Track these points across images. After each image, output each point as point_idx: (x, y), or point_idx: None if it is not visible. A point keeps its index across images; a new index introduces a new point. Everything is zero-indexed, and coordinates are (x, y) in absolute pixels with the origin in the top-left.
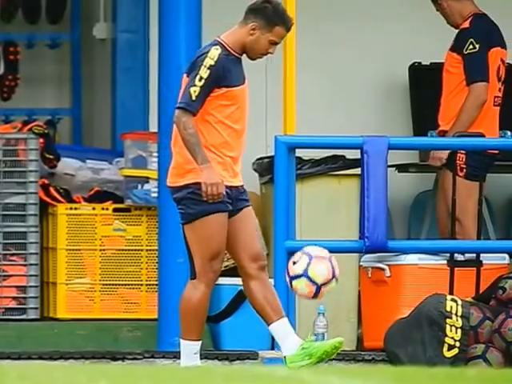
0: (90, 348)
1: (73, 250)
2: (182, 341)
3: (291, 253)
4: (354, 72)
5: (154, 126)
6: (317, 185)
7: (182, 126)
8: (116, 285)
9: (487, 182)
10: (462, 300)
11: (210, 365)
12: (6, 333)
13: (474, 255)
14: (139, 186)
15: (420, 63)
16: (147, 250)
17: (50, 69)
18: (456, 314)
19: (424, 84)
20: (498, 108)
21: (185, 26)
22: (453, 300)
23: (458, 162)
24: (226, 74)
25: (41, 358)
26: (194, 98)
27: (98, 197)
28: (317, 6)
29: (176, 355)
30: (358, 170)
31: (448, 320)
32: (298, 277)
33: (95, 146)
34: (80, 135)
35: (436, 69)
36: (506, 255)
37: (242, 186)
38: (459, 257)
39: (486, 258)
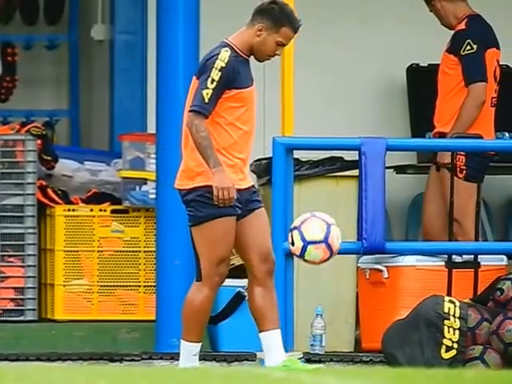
0: (88, 349)
1: (71, 251)
2: (182, 341)
3: (289, 254)
4: (352, 73)
5: (151, 128)
6: (315, 186)
7: (195, 129)
8: (114, 286)
9: (485, 183)
10: (459, 301)
11: (208, 366)
12: (3, 334)
13: (472, 256)
14: (137, 188)
15: (418, 64)
16: (145, 252)
17: (48, 70)
18: (454, 316)
19: (422, 85)
20: (494, 109)
21: (183, 27)
22: (451, 301)
23: (457, 163)
24: (236, 76)
25: (39, 359)
26: (206, 100)
27: (96, 198)
28: (315, 6)
29: (174, 356)
30: (355, 172)
31: (446, 321)
32: (316, 242)
33: (93, 147)
34: (78, 136)
35: (434, 70)
36: (504, 256)
37: (252, 186)
38: (457, 258)
39: (483, 260)
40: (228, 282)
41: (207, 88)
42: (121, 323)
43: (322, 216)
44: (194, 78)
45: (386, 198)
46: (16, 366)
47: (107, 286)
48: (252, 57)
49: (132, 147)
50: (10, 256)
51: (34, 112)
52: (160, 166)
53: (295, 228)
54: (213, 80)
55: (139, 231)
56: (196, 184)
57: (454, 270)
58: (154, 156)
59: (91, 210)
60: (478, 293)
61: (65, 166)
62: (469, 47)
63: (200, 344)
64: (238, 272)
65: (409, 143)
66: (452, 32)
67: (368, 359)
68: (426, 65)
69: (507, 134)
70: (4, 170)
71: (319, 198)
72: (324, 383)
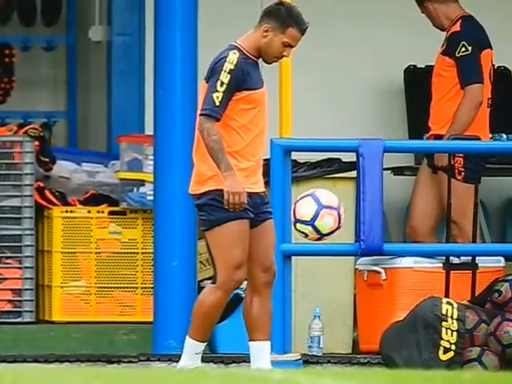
0: (86, 351)
1: (68, 252)
2: (187, 338)
3: (287, 256)
4: (350, 75)
5: (149, 129)
6: (313, 188)
7: (206, 133)
8: (111, 288)
9: (482, 184)
10: (457, 303)
11: (206, 368)
12: (1, 336)
13: (470, 258)
14: (135, 189)
15: (415, 66)
16: (143, 253)
17: (46, 71)
18: (452, 317)
19: (419, 87)
20: (489, 109)
21: (180, 29)
22: (448, 303)
23: (456, 165)
24: (245, 77)
25: (36, 361)
26: (217, 103)
27: (94, 200)
28: (312, 7)
29: (171, 358)
30: (353, 173)
31: (444, 323)
32: (303, 222)
33: (91, 148)
34: (75, 138)
35: (432, 72)
36: (502, 258)
37: (263, 192)
38: (455, 260)
39: (481, 261)
40: None
41: (217, 91)
42: (118, 325)
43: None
44: (204, 81)
45: (384, 199)
46: (13, 368)
47: (105, 287)
48: (261, 60)
49: (129, 149)
50: (8, 257)
51: (31, 113)
52: (157, 167)
53: (308, 195)
54: (222, 83)
55: (137, 233)
56: (207, 188)
57: (451, 272)
58: (151, 157)
59: (89, 212)
60: (476, 294)
61: (62, 167)
62: (464, 49)
63: (204, 344)
64: None
65: (406, 145)
66: (445, 34)
67: (366, 361)
68: (423, 66)
69: (505, 136)
70: (1, 172)
71: None
72: None
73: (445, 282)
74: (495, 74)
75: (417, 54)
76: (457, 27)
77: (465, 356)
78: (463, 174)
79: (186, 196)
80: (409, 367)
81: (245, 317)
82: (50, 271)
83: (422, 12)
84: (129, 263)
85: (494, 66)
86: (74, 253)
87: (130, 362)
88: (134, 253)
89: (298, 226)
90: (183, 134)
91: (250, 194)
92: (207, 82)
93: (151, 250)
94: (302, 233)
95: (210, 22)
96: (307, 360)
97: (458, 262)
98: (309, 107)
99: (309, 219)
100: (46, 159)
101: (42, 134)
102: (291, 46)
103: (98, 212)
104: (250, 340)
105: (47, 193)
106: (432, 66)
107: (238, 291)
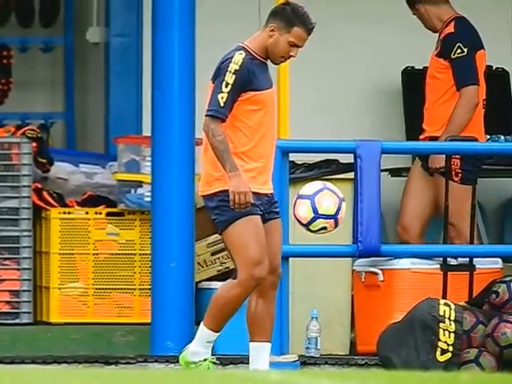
0: (83, 352)
1: (66, 254)
2: (201, 325)
3: (285, 257)
4: (347, 76)
5: (147, 130)
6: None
7: (211, 134)
8: (109, 289)
9: (480, 186)
10: (455, 304)
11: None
12: None
13: (467, 259)
14: (132, 191)
15: (413, 67)
16: (140, 255)
17: (44, 73)
18: (449, 319)
19: (417, 88)
20: (484, 110)
21: (178, 30)
22: (446, 304)
23: (452, 166)
24: (251, 78)
25: (34, 362)
26: (222, 104)
27: (91, 201)
28: (311, 8)
29: (169, 359)
30: (351, 175)
31: (441, 324)
32: (327, 217)
33: (88, 150)
34: (73, 139)
35: None
36: (499, 259)
37: (271, 193)
38: (452, 261)
39: (479, 263)
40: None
41: (222, 92)
42: (116, 326)
43: (334, 189)
44: (210, 82)
45: (381, 200)
46: (11, 369)
47: (102, 288)
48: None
49: (127, 150)
50: (6, 259)
51: (29, 115)
52: (155, 168)
53: (308, 197)
54: (227, 83)
55: (134, 234)
56: (214, 190)
57: (449, 273)
58: (149, 159)
59: (86, 213)
60: (474, 296)
61: (60, 168)
62: (459, 50)
63: (217, 334)
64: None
65: (404, 146)
66: (438, 36)
67: (363, 362)
68: (421, 68)
69: (502, 137)
70: None
71: None
72: None
73: (442, 284)
74: (493, 75)
75: (415, 55)
76: (450, 28)
77: (462, 357)
78: (460, 175)
79: (183, 197)
80: (406, 368)
81: (248, 317)
82: (48, 272)
83: (414, 14)
84: (126, 264)
85: (492, 67)
86: (72, 254)
87: (128, 363)
88: (131, 254)
89: (319, 221)
90: (181, 135)
91: (257, 195)
92: (213, 83)
93: (149, 252)
94: (320, 229)
95: (208, 23)
96: (305, 361)
97: (455, 263)
98: (306, 108)
99: (333, 213)
100: (44, 160)
101: (39, 135)
102: (298, 46)
103: (96, 213)
104: (251, 341)
105: (45, 194)
106: None
107: None
